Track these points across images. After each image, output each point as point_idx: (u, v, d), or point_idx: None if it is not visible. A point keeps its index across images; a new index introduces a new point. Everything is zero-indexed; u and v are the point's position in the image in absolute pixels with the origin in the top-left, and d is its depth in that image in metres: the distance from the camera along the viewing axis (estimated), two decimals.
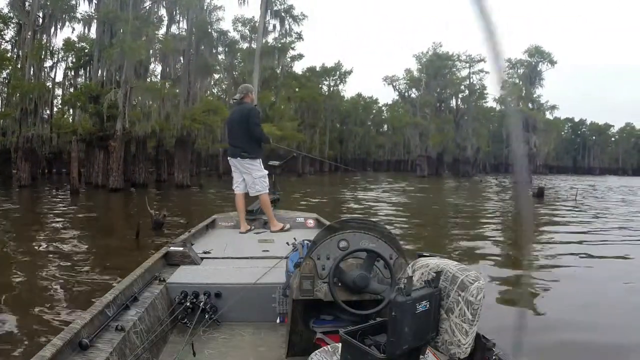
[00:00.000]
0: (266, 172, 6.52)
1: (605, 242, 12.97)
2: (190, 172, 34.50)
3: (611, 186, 49.92)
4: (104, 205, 20.99)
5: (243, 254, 4.89)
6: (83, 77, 33.74)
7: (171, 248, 4.45)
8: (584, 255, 10.72)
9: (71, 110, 35.92)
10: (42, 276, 7.69)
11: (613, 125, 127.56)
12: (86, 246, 10.49)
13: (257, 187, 6.36)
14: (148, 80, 32.21)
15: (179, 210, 17.20)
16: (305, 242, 3.53)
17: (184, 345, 2.98)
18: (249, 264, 4.44)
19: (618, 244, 12.67)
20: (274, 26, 36.40)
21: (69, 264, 8.57)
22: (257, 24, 40.76)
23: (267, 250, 5.06)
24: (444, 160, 71.16)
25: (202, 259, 4.62)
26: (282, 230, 6.30)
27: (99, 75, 29.80)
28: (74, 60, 33.52)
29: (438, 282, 2.10)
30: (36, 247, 10.29)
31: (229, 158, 6.56)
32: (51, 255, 9.37)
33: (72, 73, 34.43)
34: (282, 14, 35.88)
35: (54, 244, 10.57)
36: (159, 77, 36.03)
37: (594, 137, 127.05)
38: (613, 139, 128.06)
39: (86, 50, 32.10)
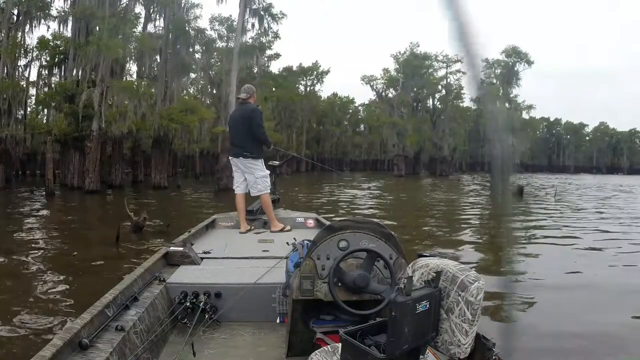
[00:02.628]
0: (268, 172, 6.55)
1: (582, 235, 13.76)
2: (167, 173, 34.13)
3: (586, 184, 51.20)
4: (81, 208, 20.65)
5: (243, 254, 4.91)
6: (58, 76, 33.04)
7: (171, 248, 4.46)
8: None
9: (46, 110, 35.24)
10: (10, 288, 7.37)
11: (587, 125, 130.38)
12: (64, 252, 10.21)
13: (259, 186, 6.38)
14: (124, 79, 31.74)
15: (158, 212, 16.94)
16: (305, 242, 3.53)
17: (184, 345, 2.98)
18: (249, 264, 4.46)
19: (592, 234, 13.92)
20: (253, 25, 36.18)
21: (45, 272, 8.27)
22: (234, 23, 40.48)
23: (267, 250, 5.08)
24: (421, 159, 71.73)
25: (202, 259, 4.64)
26: (282, 230, 6.32)
27: (74, 74, 29.25)
28: (48, 58, 32.83)
29: (438, 282, 2.11)
30: (6, 255, 9.72)
31: (230, 158, 6.59)
32: (25, 263, 9.00)
33: (47, 72, 33.67)
34: (261, 12, 35.64)
35: (28, 250, 10.20)
36: (134, 76, 35.57)
37: (568, 136, 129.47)
38: (587, 138, 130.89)
39: (61, 49, 31.48)
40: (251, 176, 6.40)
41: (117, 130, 27.78)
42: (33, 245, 10.75)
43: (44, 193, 23.90)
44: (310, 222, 6.84)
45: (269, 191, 6.49)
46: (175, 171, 49.02)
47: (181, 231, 11.22)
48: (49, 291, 7.02)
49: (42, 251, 10.17)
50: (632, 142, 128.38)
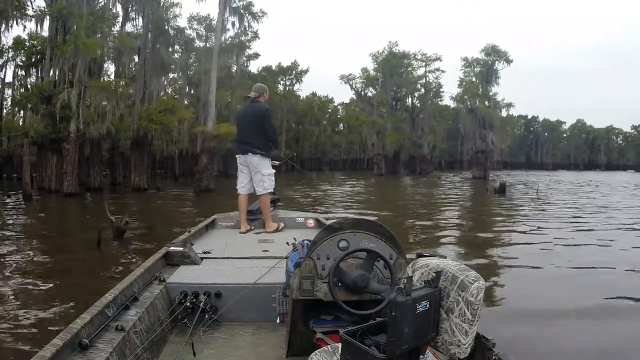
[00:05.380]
0: (274, 171, 6.58)
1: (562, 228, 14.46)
2: (147, 174, 33.77)
3: (566, 180, 52.22)
4: (60, 212, 20.27)
5: (243, 254, 4.93)
6: (34, 77, 32.49)
7: (171, 248, 4.46)
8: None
9: (22, 112, 34.67)
10: None
11: (565, 122, 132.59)
12: (44, 259, 9.90)
13: (265, 184, 6.40)
14: (102, 79, 31.27)
15: (139, 215, 16.70)
16: (305, 242, 3.54)
17: (184, 345, 2.99)
18: (249, 264, 4.48)
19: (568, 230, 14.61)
20: (233, 23, 35.91)
21: (22, 281, 8.00)
22: (213, 22, 40.22)
23: (267, 250, 5.10)
24: (400, 158, 72.13)
25: (202, 259, 4.65)
26: (277, 230, 6.35)
27: (51, 74, 28.74)
28: (24, 59, 32.27)
29: (438, 282, 2.10)
30: None
31: (237, 156, 6.56)
32: (3, 269, 8.72)
33: (23, 72, 33.15)
34: (241, 10, 35.38)
35: (6, 257, 9.86)
36: (112, 76, 35.08)
37: (546, 134, 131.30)
38: (565, 135, 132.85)
39: (38, 48, 30.95)
40: (258, 174, 6.41)
41: (96, 131, 27.31)
42: (11, 252, 10.45)
43: (21, 197, 23.44)
44: (310, 222, 6.83)
45: (272, 190, 6.54)
46: (155, 172, 48.54)
47: (164, 234, 11.11)
48: (29, 300, 6.85)
49: (22, 258, 9.90)
50: (609, 139, 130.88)
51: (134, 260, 9.48)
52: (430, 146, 71.28)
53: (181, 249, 4.46)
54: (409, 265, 2.37)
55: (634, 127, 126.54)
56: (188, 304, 3.47)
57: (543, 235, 13.19)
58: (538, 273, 8.76)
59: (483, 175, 51.99)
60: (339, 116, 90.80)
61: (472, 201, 26.39)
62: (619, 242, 12.30)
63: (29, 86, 31.90)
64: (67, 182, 26.01)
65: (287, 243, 4.40)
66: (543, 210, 20.06)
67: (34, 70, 32.25)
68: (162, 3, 34.47)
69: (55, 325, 5.68)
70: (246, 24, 36.26)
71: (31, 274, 8.58)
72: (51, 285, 7.75)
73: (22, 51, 31.72)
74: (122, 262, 9.46)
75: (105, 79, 32.41)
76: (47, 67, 29.02)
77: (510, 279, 8.39)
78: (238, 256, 4.83)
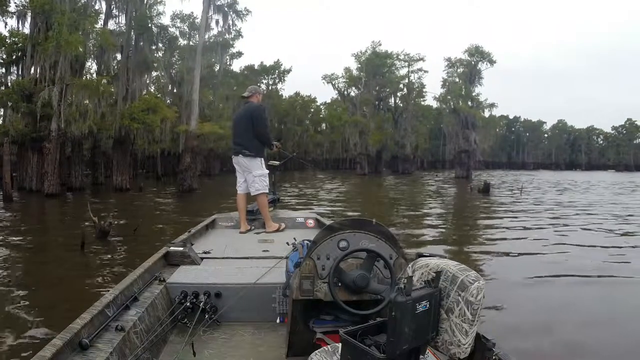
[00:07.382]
0: (267, 171, 6.55)
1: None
2: (129, 174, 33.38)
3: (546, 180, 52.90)
4: (42, 213, 19.93)
5: (243, 254, 4.95)
6: (15, 74, 31.91)
7: (171, 248, 4.47)
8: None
9: (2, 110, 33.98)
10: None
11: (546, 122, 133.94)
12: (26, 261, 9.73)
13: (257, 185, 6.39)
14: (84, 77, 30.85)
15: (122, 216, 16.44)
16: (305, 242, 3.54)
17: (184, 345, 2.99)
18: (249, 264, 4.49)
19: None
20: (217, 21, 35.69)
21: (3, 284, 7.81)
22: (197, 21, 39.94)
23: (267, 250, 5.12)
24: (383, 157, 72.36)
25: (202, 259, 4.66)
26: (277, 230, 6.35)
27: (32, 72, 28.27)
28: (4, 56, 31.66)
29: (438, 282, 2.11)
30: None
31: (232, 156, 6.59)
32: None
33: (3, 70, 32.47)
34: (226, 9, 35.17)
35: None
36: (94, 74, 34.62)
37: (527, 134, 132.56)
38: (546, 135, 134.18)
39: (19, 45, 30.42)
40: (250, 175, 6.42)
41: (77, 130, 26.99)
42: None
43: (1, 197, 22.98)
44: (310, 222, 6.86)
45: (267, 191, 6.52)
46: (137, 172, 48.06)
47: (148, 235, 11.01)
48: (9, 303, 6.66)
49: (2, 261, 9.69)
50: (590, 139, 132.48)
51: (118, 261, 9.39)
52: (413, 146, 71.54)
53: (181, 249, 4.48)
54: (409, 265, 2.39)
55: (614, 128, 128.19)
56: (188, 304, 3.47)
57: (535, 239, 13.12)
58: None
59: (466, 174, 52.31)
60: (321, 116, 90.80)
61: (455, 201, 26.56)
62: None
63: (9, 84, 31.32)
64: (48, 182, 25.58)
65: (287, 243, 4.40)
66: (530, 209, 20.23)
67: (14, 67, 31.66)
68: (145, 0, 34.10)
69: (39, 329, 5.59)
70: (230, 22, 36.11)
71: (13, 276, 8.42)
72: (33, 289, 7.56)
73: (3, 48, 31.09)
74: (107, 263, 9.35)
75: (88, 77, 31.99)
76: (28, 64, 28.52)
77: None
78: (238, 256, 4.85)
